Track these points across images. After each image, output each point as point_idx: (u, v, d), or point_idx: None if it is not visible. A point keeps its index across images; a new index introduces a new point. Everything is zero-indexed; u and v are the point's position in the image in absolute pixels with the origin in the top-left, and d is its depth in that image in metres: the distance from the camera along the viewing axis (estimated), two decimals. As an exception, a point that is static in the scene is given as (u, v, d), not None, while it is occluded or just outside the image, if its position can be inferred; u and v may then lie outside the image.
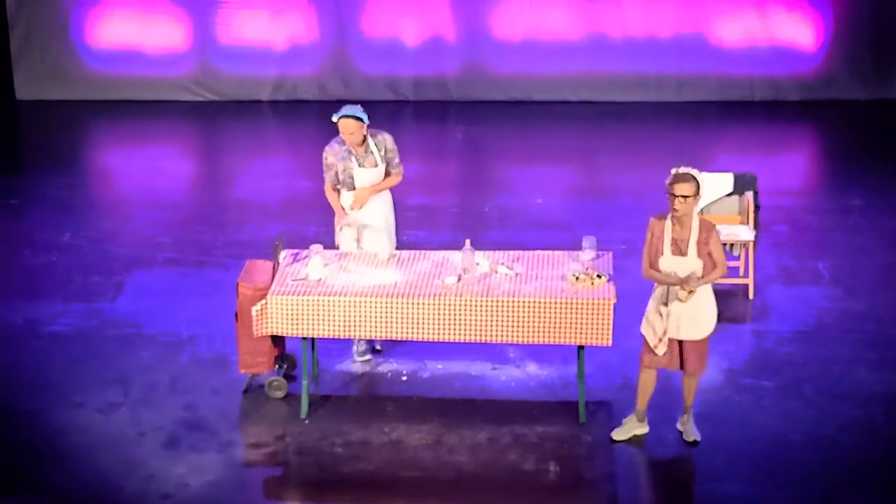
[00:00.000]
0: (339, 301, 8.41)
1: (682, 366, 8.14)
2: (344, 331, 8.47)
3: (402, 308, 8.39)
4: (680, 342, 8.07)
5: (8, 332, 9.86)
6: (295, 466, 8.26)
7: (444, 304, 8.37)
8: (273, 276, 8.72)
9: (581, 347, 8.51)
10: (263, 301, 8.47)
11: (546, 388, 8.99)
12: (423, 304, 8.37)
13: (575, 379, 8.78)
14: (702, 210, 10.36)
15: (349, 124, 8.97)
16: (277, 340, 8.84)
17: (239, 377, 9.00)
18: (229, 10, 15.12)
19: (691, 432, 8.29)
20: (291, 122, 14.71)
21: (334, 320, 8.44)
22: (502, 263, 8.78)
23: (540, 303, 8.32)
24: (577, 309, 8.30)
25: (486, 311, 8.36)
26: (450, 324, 8.39)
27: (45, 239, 11.53)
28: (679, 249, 7.90)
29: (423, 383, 9.08)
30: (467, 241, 8.62)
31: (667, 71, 15.03)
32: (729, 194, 10.36)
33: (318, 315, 8.43)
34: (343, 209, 9.15)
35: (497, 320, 8.37)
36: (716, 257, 7.93)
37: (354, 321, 8.43)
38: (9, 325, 9.97)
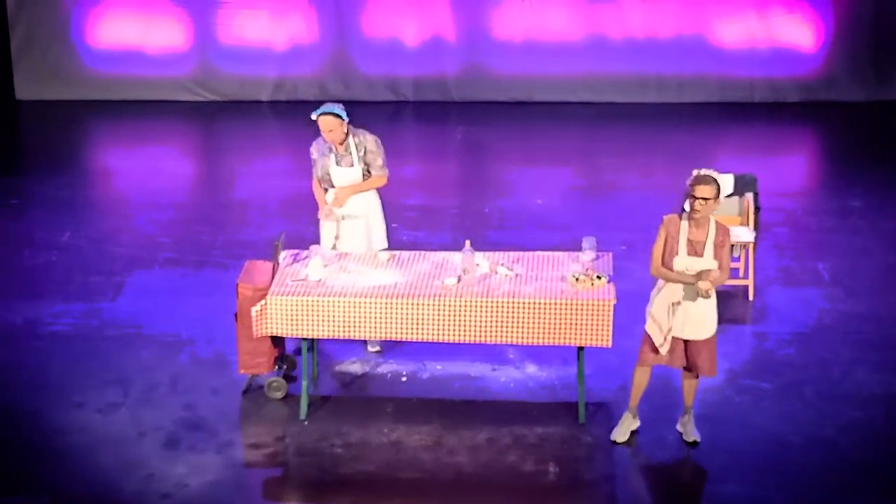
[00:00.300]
0: (339, 302, 8.41)
1: (689, 367, 8.13)
2: (344, 331, 8.47)
3: (402, 309, 8.39)
4: (685, 343, 8.07)
5: (8, 332, 9.86)
6: (294, 467, 8.26)
7: (444, 305, 8.37)
8: (273, 276, 8.72)
9: (581, 348, 8.51)
10: (263, 302, 8.47)
11: (546, 388, 8.99)
12: (423, 304, 8.37)
13: (574, 380, 8.78)
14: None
15: (328, 121, 9.02)
16: (277, 341, 8.84)
17: (239, 378, 9.01)
18: (230, 11, 15.13)
19: (691, 433, 8.29)
20: (292, 123, 14.69)
21: (334, 321, 8.44)
22: (502, 264, 8.78)
23: (540, 304, 8.32)
24: (576, 310, 8.30)
25: (486, 311, 8.36)
26: (449, 325, 8.39)
27: (45, 239, 11.53)
28: (695, 250, 7.91)
29: (423, 384, 9.08)
30: (467, 242, 8.63)
31: (667, 72, 15.03)
32: (729, 195, 10.36)
33: (318, 316, 8.43)
34: (326, 203, 9.21)
35: (497, 321, 8.37)
36: (723, 263, 7.94)
37: (354, 322, 8.43)
38: (9, 325, 9.97)
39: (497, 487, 7.97)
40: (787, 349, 9.51)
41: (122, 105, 15.20)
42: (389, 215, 11.90)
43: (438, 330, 8.41)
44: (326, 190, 9.25)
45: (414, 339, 8.49)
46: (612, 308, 8.29)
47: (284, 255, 9.00)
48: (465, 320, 8.38)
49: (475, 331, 8.41)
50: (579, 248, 8.82)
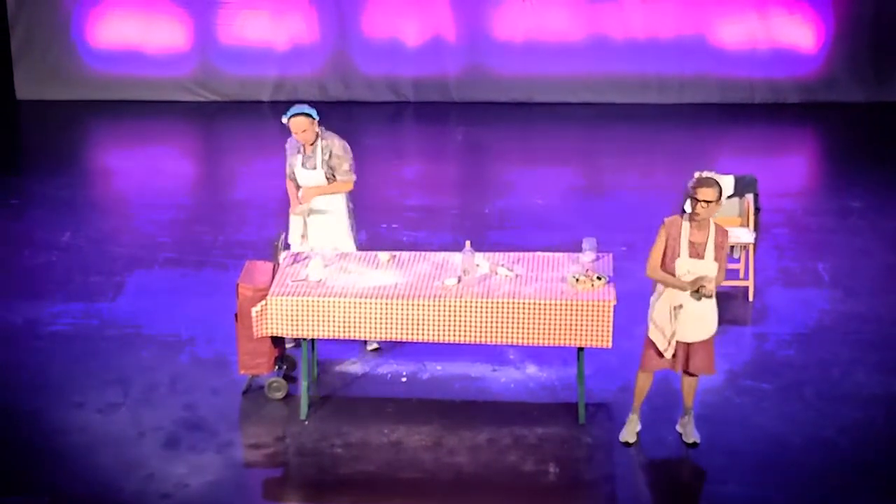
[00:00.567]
0: (339, 302, 8.41)
1: (687, 368, 8.13)
2: (344, 332, 8.47)
3: (402, 309, 8.39)
4: (686, 344, 8.07)
5: (8, 332, 9.86)
6: (294, 467, 8.26)
7: (444, 306, 8.37)
8: (273, 276, 8.72)
9: (581, 349, 8.50)
10: (263, 302, 8.47)
11: (546, 389, 8.99)
12: (423, 305, 8.37)
13: (575, 381, 8.78)
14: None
15: (300, 122, 9.08)
16: (277, 341, 8.84)
17: (239, 378, 9.00)
18: (230, 11, 15.13)
19: (691, 434, 8.29)
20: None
21: (334, 321, 8.44)
22: (502, 265, 8.78)
23: (540, 304, 8.32)
24: (577, 311, 8.30)
25: (487, 312, 8.36)
26: (450, 325, 8.39)
27: (45, 239, 11.53)
28: (696, 252, 7.91)
29: (423, 384, 9.08)
30: (467, 243, 8.63)
31: (667, 73, 15.03)
32: (729, 196, 10.35)
33: (318, 316, 8.43)
34: (297, 200, 9.27)
35: (497, 322, 8.37)
36: (721, 264, 7.95)
37: (354, 322, 8.43)
38: (9, 325, 9.96)
39: (497, 488, 7.97)
40: (788, 350, 9.51)
41: (122, 105, 15.20)
42: (389, 216, 11.98)
43: (439, 330, 8.41)
44: (298, 188, 9.30)
45: (414, 340, 8.49)
46: (612, 309, 8.29)
47: (285, 256, 9.00)
48: (465, 321, 8.38)
49: (475, 331, 8.40)
50: (579, 249, 8.82)
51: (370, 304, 8.40)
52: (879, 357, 9.37)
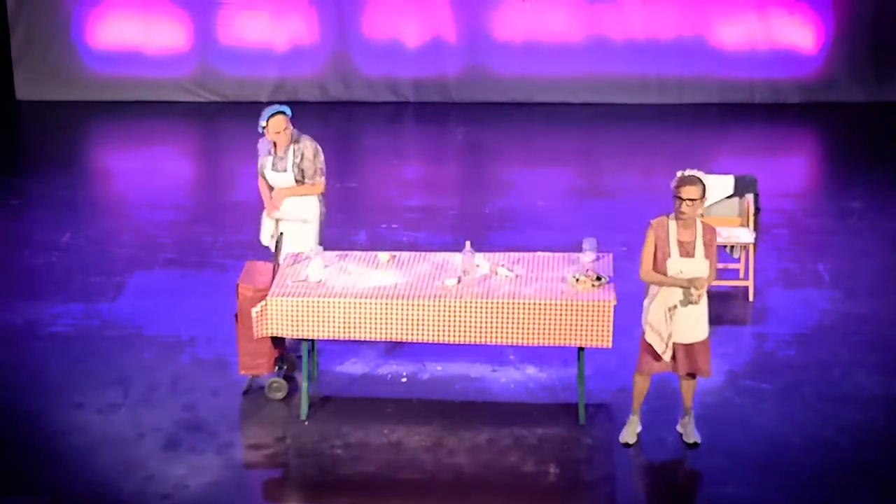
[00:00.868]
0: (340, 303, 8.41)
1: (690, 370, 8.12)
2: (344, 332, 8.47)
3: (402, 310, 8.39)
4: (685, 345, 8.06)
5: (8, 333, 9.86)
6: (295, 468, 8.26)
7: (445, 306, 8.37)
8: (273, 277, 8.72)
9: (581, 349, 8.50)
10: (263, 302, 8.47)
11: (546, 390, 8.99)
12: (423, 305, 8.37)
13: (575, 381, 8.78)
14: (702, 212, 10.35)
15: (280, 121, 9.09)
16: (277, 342, 8.84)
17: (239, 378, 9.00)
18: (230, 11, 15.13)
19: (692, 434, 8.29)
20: (292, 124, 14.68)
21: (334, 322, 8.44)
22: (502, 265, 8.78)
23: (540, 305, 8.32)
24: (577, 311, 8.30)
25: (487, 312, 8.36)
26: (450, 325, 8.39)
27: (46, 239, 11.53)
28: (686, 251, 7.91)
29: (423, 385, 9.08)
30: (468, 243, 8.63)
31: (667, 73, 15.03)
32: (729, 196, 10.36)
33: (319, 317, 8.43)
34: (270, 200, 9.24)
35: (497, 322, 8.37)
36: (711, 263, 7.95)
37: (354, 323, 8.43)
38: (9, 325, 9.96)
39: (497, 488, 7.96)
40: (788, 350, 9.51)
41: (122, 106, 15.20)
42: (390, 216, 11.99)
43: (439, 331, 8.41)
44: (271, 188, 9.29)
45: (414, 340, 8.49)
46: (612, 309, 8.29)
47: (285, 256, 9.01)
48: (465, 321, 8.38)
49: (475, 332, 8.40)
50: (580, 249, 8.81)
51: (370, 304, 8.40)
52: (879, 358, 9.36)
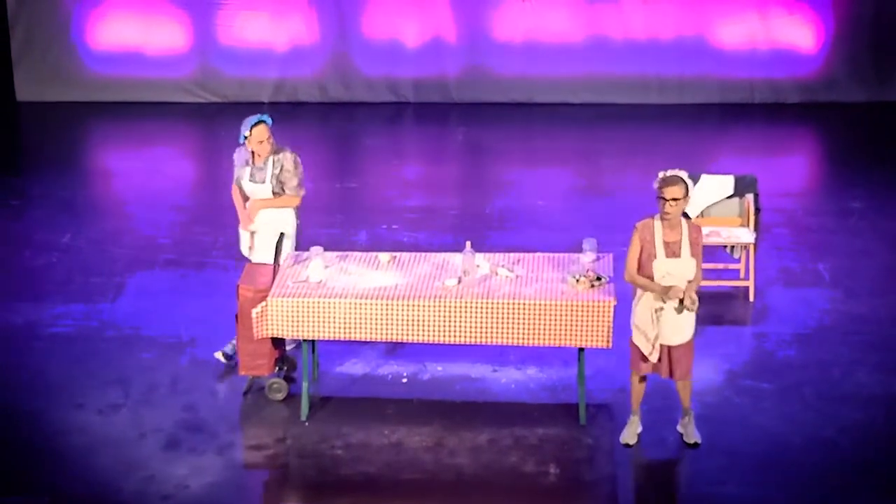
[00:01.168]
0: (340, 303, 8.41)
1: (671, 374, 8.11)
2: (344, 333, 8.47)
3: (403, 310, 8.39)
4: (669, 348, 8.06)
5: (8, 333, 9.86)
6: (295, 468, 8.26)
7: (445, 307, 8.37)
8: (273, 278, 8.72)
9: (581, 350, 8.50)
10: (264, 303, 8.47)
11: (546, 390, 8.99)
12: (424, 306, 8.37)
13: (575, 381, 8.78)
14: (702, 212, 10.37)
15: (263, 130, 8.96)
16: (278, 342, 8.84)
17: (239, 379, 9.00)
18: (230, 12, 15.13)
19: (692, 434, 8.29)
20: (292, 124, 14.70)
21: (335, 322, 8.44)
22: (503, 265, 8.78)
23: (540, 305, 8.32)
24: (577, 311, 8.30)
25: (487, 313, 8.36)
26: (450, 326, 8.39)
27: (46, 240, 11.53)
28: (672, 251, 7.92)
29: (424, 385, 9.08)
30: (468, 243, 8.63)
31: (668, 73, 15.03)
32: (729, 196, 10.36)
33: (319, 317, 8.43)
34: (245, 210, 9.17)
35: (497, 322, 8.37)
36: (697, 262, 7.95)
37: (355, 323, 8.43)
38: (9, 325, 9.97)
39: (498, 488, 7.96)
40: (788, 350, 9.51)
41: (122, 106, 15.21)
42: (390, 217, 11.99)
43: (439, 331, 8.41)
44: (245, 198, 9.22)
45: (415, 341, 8.49)
46: (612, 309, 8.29)
47: (285, 257, 9.00)
48: (465, 321, 8.38)
49: (476, 332, 8.40)
50: (580, 250, 8.82)
51: (371, 305, 8.40)
52: (879, 357, 9.36)
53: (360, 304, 8.40)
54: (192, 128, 14.96)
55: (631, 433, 8.32)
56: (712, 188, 10.35)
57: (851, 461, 8.16)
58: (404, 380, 9.14)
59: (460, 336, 8.42)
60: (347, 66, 15.22)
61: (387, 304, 8.39)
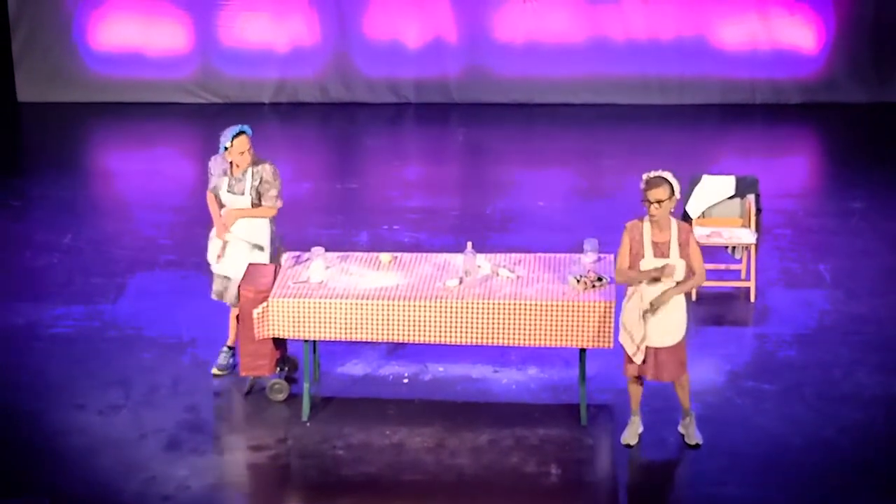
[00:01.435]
0: (341, 304, 8.41)
1: (657, 377, 8.09)
2: (345, 333, 8.47)
3: (404, 311, 8.39)
4: (655, 350, 8.05)
5: (9, 334, 9.86)
6: (296, 469, 8.26)
7: (446, 307, 8.37)
8: (274, 278, 8.72)
9: (582, 350, 8.50)
10: (265, 304, 8.47)
11: (547, 390, 8.99)
12: (425, 306, 8.37)
13: (576, 382, 8.77)
14: (703, 213, 10.38)
15: (245, 141, 8.86)
16: (279, 343, 8.84)
17: (240, 380, 9.00)
18: (231, 13, 15.13)
19: (693, 435, 8.29)
20: (293, 125, 14.71)
21: (336, 323, 8.44)
22: (504, 266, 8.78)
23: (541, 305, 8.32)
24: (578, 312, 8.30)
25: (488, 313, 8.36)
26: (451, 326, 8.39)
27: (47, 240, 11.54)
28: (661, 252, 7.93)
29: (425, 386, 9.08)
30: (469, 244, 8.63)
31: (668, 74, 15.03)
32: (730, 197, 10.37)
33: (320, 318, 8.43)
34: (220, 220, 9.10)
35: (498, 323, 8.37)
36: (695, 265, 7.95)
37: (356, 324, 8.43)
38: (10, 326, 9.97)
39: (499, 489, 7.96)
40: (789, 351, 9.51)
41: (123, 107, 15.21)
42: (391, 217, 12.00)
43: (440, 332, 8.41)
44: (222, 206, 9.14)
45: (416, 341, 8.49)
46: (613, 309, 8.30)
47: (286, 258, 9.00)
48: (466, 322, 8.38)
49: (477, 333, 8.40)
50: (581, 250, 8.82)
51: (371, 305, 8.40)
52: (880, 358, 9.36)
53: (362, 304, 8.40)
54: (194, 129, 14.95)
55: (632, 434, 8.32)
56: (713, 189, 10.36)
57: (852, 461, 8.16)
58: (405, 380, 9.15)
59: (461, 337, 8.42)
60: (348, 67, 15.21)
61: (388, 305, 8.39)
